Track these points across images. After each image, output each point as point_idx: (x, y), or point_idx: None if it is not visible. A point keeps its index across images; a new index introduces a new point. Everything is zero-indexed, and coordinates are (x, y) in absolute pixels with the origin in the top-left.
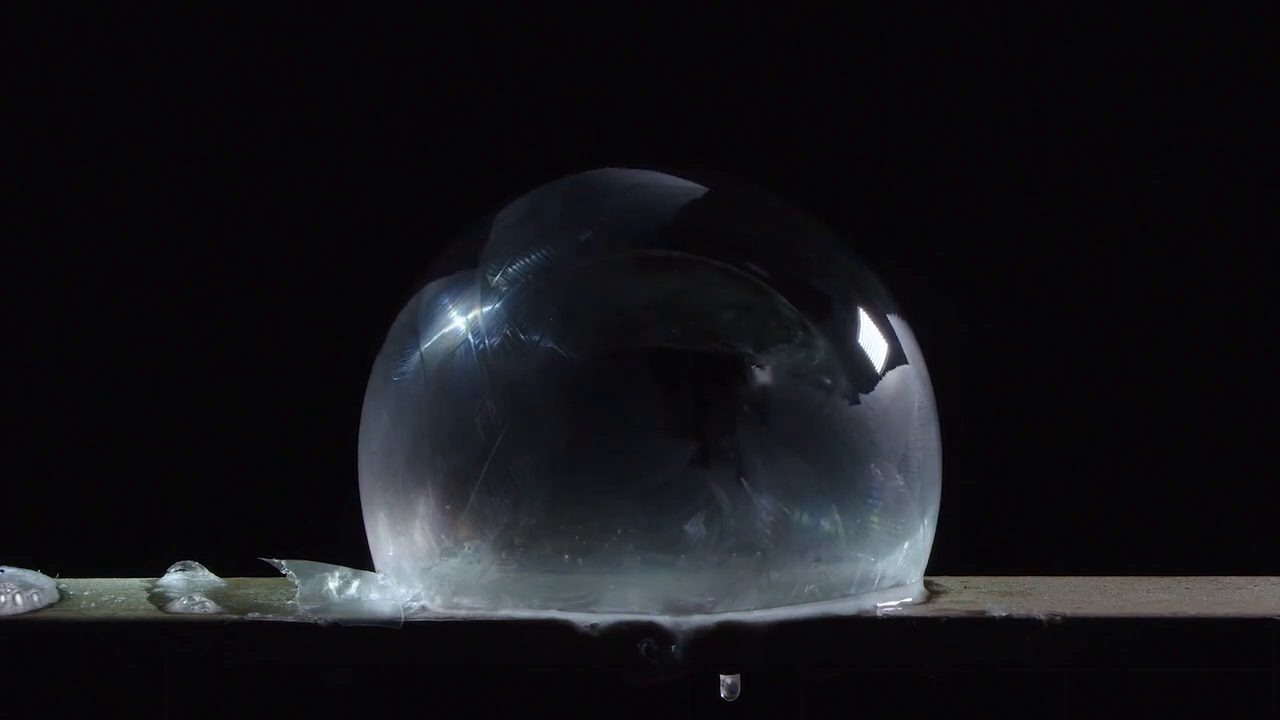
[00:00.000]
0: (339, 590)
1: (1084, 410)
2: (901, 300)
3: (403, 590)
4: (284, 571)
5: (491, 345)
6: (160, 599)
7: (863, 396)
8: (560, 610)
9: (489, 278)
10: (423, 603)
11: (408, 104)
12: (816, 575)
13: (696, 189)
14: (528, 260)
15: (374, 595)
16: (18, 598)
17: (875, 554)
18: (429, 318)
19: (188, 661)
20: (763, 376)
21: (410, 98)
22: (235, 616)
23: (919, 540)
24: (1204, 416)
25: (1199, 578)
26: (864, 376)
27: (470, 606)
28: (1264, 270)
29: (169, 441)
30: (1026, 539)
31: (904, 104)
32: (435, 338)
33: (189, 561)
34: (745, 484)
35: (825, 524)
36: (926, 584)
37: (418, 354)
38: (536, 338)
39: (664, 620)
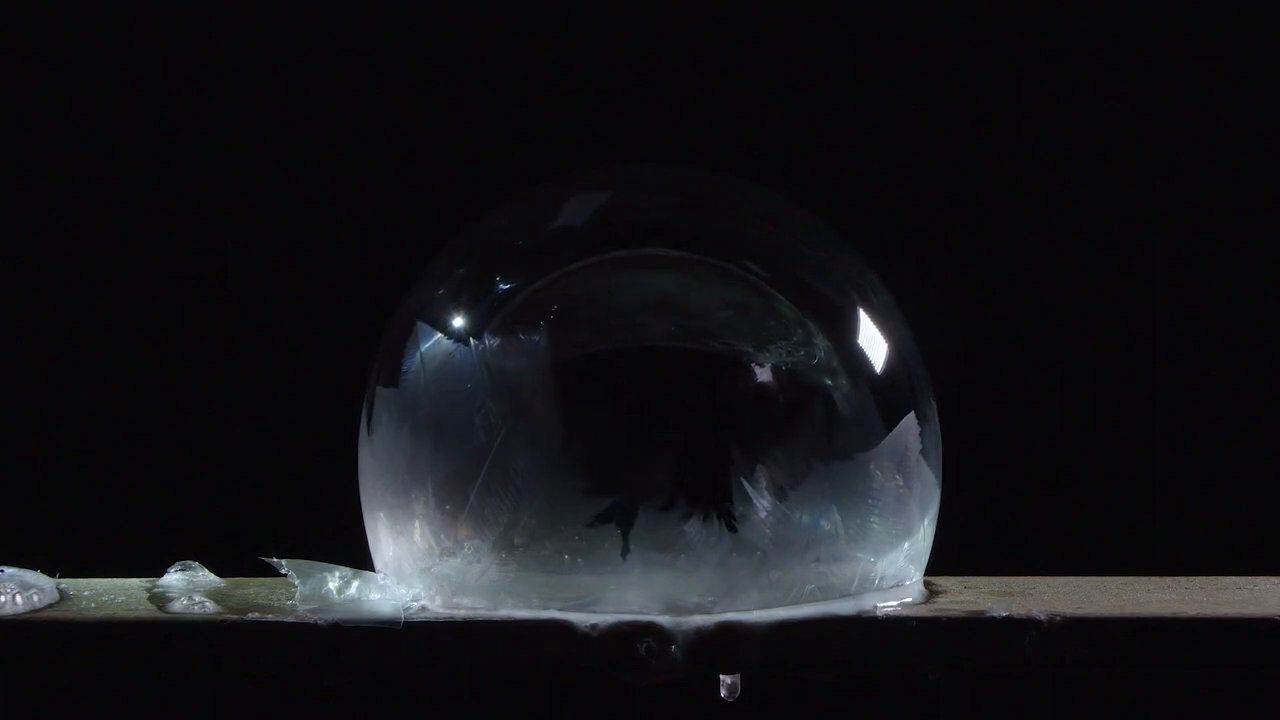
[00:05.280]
0: (339, 590)
1: (1084, 411)
2: (901, 300)
3: (403, 590)
4: (284, 571)
5: (491, 345)
6: (160, 599)
7: (862, 395)
8: (560, 610)
9: (491, 278)
10: (423, 603)
11: (406, 106)
12: (816, 575)
13: (696, 188)
14: (527, 261)
15: (374, 595)
16: (18, 598)
17: (875, 554)
18: (429, 319)
19: (188, 661)
20: (762, 375)
21: (409, 100)
22: (235, 616)
23: (919, 540)
24: (1203, 417)
25: (1199, 578)
26: (863, 376)
27: (470, 606)
28: (1263, 271)
29: (170, 442)
30: (1026, 539)
31: (905, 105)
32: (435, 338)
33: (189, 561)
34: (745, 484)
35: (825, 524)
36: (926, 584)
37: (418, 354)
38: (536, 338)
39: (664, 620)
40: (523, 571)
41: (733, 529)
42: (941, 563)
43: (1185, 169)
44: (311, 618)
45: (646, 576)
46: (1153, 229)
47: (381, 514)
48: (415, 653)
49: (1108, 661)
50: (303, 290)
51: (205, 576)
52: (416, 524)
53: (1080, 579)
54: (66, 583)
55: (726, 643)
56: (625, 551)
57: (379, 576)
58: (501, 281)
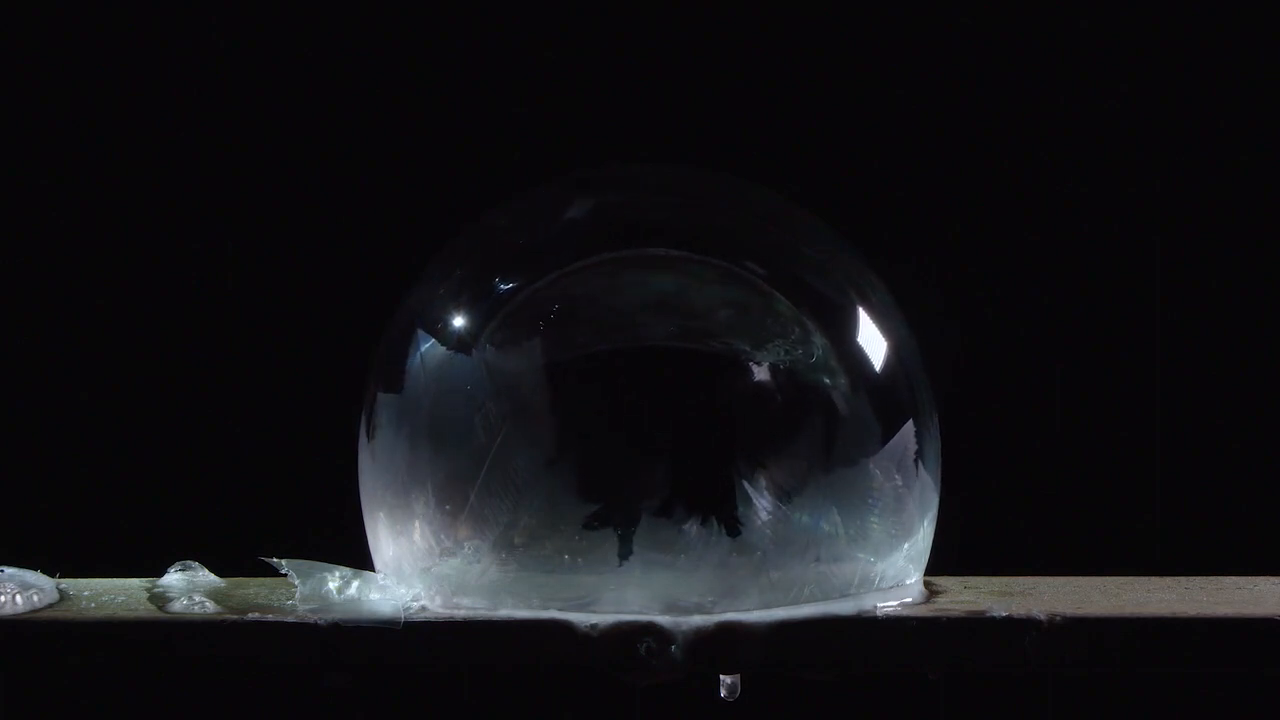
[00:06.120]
0: (339, 590)
1: (1084, 411)
2: (901, 299)
3: (403, 590)
4: (284, 571)
5: (491, 345)
6: (160, 599)
7: (861, 395)
8: (560, 610)
9: (491, 278)
10: (423, 603)
11: (406, 106)
12: (816, 575)
13: (695, 188)
14: (527, 261)
15: (374, 595)
16: (18, 598)
17: (875, 554)
18: (428, 319)
19: (188, 661)
20: (762, 375)
21: (409, 100)
22: (235, 616)
23: (919, 540)
24: (1203, 417)
25: (1199, 578)
26: (863, 375)
27: (470, 606)
28: (1263, 271)
29: (169, 442)
30: (1026, 539)
31: (905, 105)
32: (435, 339)
33: (189, 561)
34: (745, 485)
35: (825, 524)
36: (926, 584)
37: (418, 355)
38: (535, 338)
39: (664, 620)
40: (523, 571)
41: (734, 534)
42: (941, 563)
43: (1185, 169)
44: (311, 618)
45: (646, 576)
46: (1153, 229)
47: (381, 514)
48: (415, 653)
49: (1108, 661)
50: (303, 290)
51: (205, 576)
52: (416, 524)
53: (1080, 579)
54: (66, 583)
55: (726, 643)
56: (626, 555)
57: (379, 576)
58: (501, 281)
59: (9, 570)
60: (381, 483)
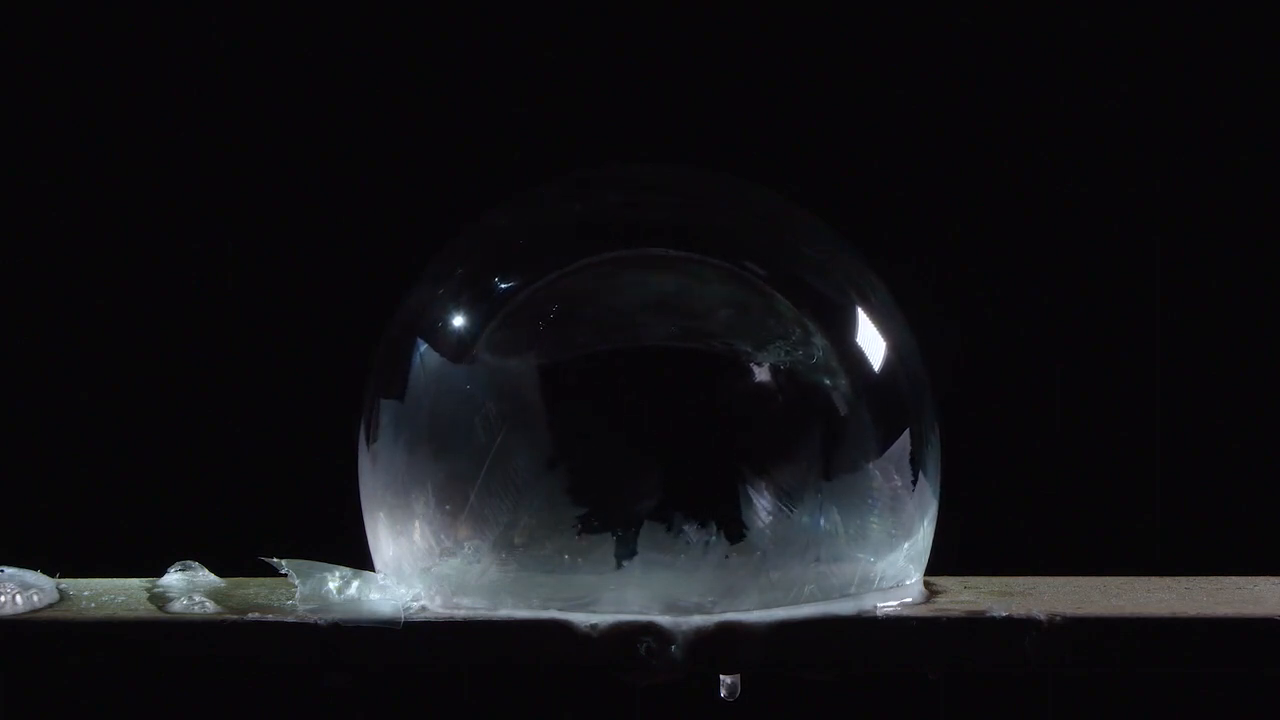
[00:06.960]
0: (339, 590)
1: (1084, 411)
2: (901, 300)
3: (403, 590)
4: (284, 571)
5: (491, 346)
6: (160, 599)
7: (862, 396)
8: (560, 610)
9: (491, 278)
10: (423, 603)
11: (406, 106)
12: (816, 575)
13: (695, 188)
14: (527, 261)
15: (374, 595)
16: (18, 598)
17: (875, 554)
18: (428, 319)
19: (188, 661)
20: (762, 376)
21: (409, 100)
22: (235, 616)
23: (919, 540)
24: (1203, 416)
25: (1199, 578)
26: (863, 376)
27: (470, 606)
28: (1263, 271)
29: (169, 442)
30: (1026, 539)
31: (905, 105)
32: (435, 339)
33: (189, 561)
34: (746, 486)
35: (825, 524)
36: (926, 584)
37: (418, 354)
38: (535, 338)
39: (664, 620)
40: (523, 571)
41: (734, 535)
42: (941, 563)
43: (1185, 169)
44: (311, 618)
45: (646, 576)
46: (1153, 229)
47: (381, 514)
48: (415, 653)
49: (1108, 661)
50: (303, 290)
51: (205, 576)
52: (416, 524)
53: (1080, 579)
54: (66, 583)
55: (726, 643)
56: (625, 555)
57: (379, 576)
58: (501, 281)
59: (9, 570)
60: (381, 483)
